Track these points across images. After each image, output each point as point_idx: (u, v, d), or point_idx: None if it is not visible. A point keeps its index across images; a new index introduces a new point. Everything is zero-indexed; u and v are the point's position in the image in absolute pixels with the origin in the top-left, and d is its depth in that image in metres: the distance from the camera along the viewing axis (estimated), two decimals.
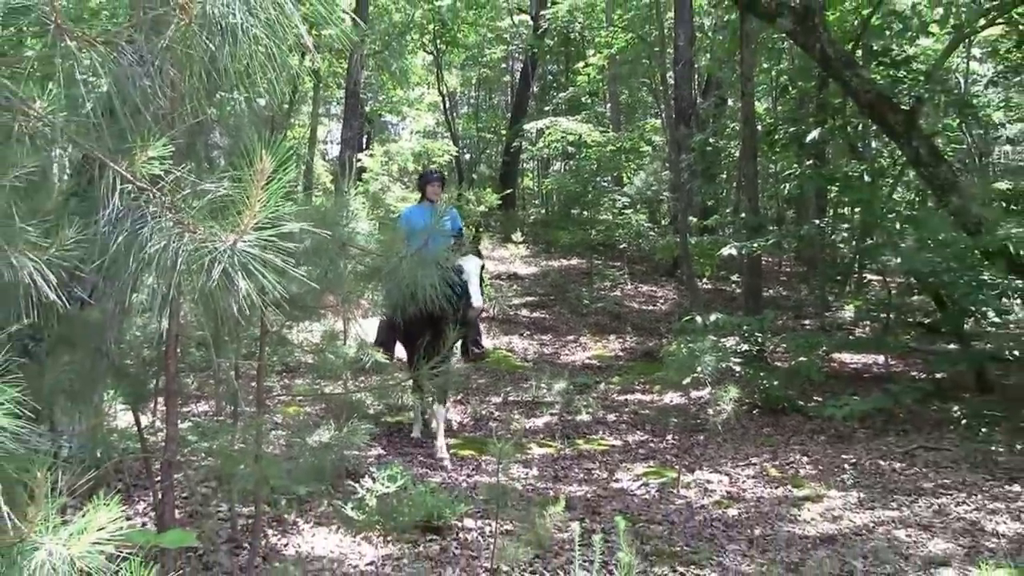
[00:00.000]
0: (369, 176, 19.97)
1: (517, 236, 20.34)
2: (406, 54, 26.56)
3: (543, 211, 28.33)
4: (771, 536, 6.98)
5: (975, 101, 12.81)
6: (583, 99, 25.91)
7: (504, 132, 28.41)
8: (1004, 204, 11.84)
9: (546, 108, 26.28)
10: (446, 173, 30.29)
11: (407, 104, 28.21)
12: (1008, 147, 10.72)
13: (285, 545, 6.12)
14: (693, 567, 6.17)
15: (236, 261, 2.45)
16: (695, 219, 18.31)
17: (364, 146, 24.98)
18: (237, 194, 2.53)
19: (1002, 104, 12.95)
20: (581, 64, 24.65)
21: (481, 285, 9.07)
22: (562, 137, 22.10)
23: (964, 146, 12.73)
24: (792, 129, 13.67)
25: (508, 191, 24.64)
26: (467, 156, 32.27)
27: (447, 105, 30.75)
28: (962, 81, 14.12)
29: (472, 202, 19.65)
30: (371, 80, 26.26)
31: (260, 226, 2.47)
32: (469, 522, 6.74)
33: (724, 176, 20.59)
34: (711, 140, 17.07)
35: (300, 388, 8.30)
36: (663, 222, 21.58)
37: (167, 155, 2.62)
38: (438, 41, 28.45)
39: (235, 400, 5.55)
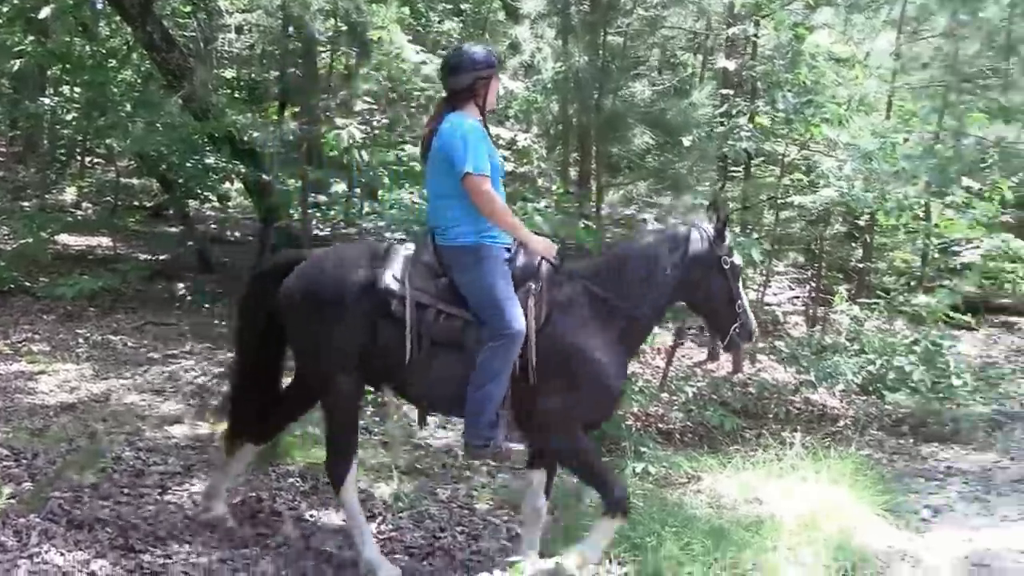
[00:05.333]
0: None
1: None
2: None
3: None
4: (12, 407, 7.25)
5: None
6: None
7: None
8: (231, 91, 12.81)
9: None
10: None
11: None
12: (233, 35, 11.62)
13: None
14: None
15: None
16: None
17: None
18: None
19: None
20: None
21: None
22: None
23: (192, 33, 13.43)
24: (25, 5, 13.18)
25: None
26: None
27: None
28: None
29: None
30: None
31: None
32: None
33: None
34: None
35: None
36: None
37: None
38: None
39: None
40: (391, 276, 4.96)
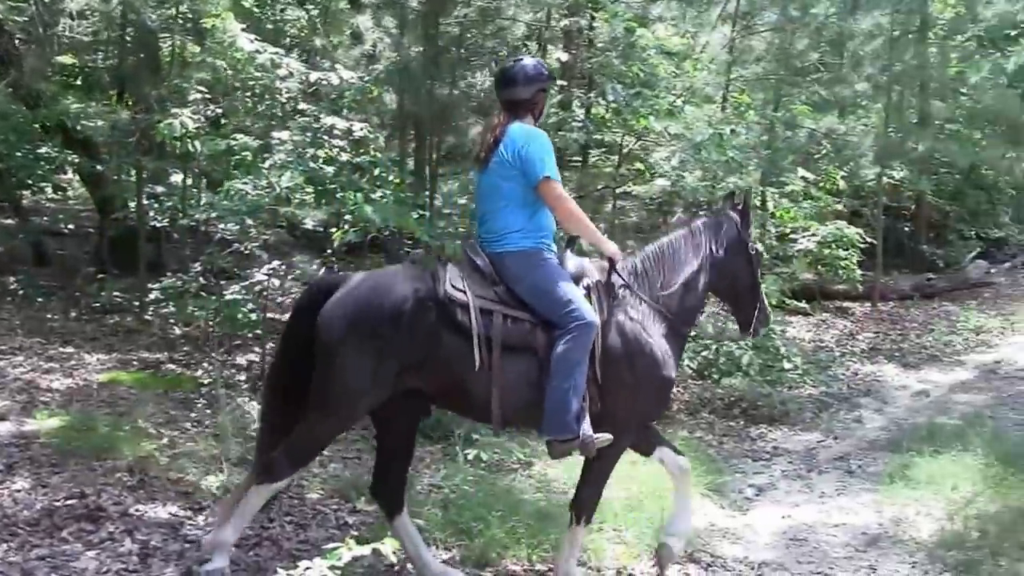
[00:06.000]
0: None
1: None
2: None
3: None
4: None
5: None
6: None
7: None
8: (66, 78, 12.49)
9: None
10: None
11: None
12: (73, 20, 11.31)
13: None
14: None
15: None
16: None
17: None
18: None
19: None
20: None
21: None
22: None
23: (27, 17, 13.01)
24: None
25: None
26: None
27: None
28: None
29: None
30: None
31: None
32: None
33: None
34: None
35: None
36: None
37: None
38: None
39: None
40: (450, 285, 4.90)
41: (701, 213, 6.02)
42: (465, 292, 4.88)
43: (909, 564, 6.03)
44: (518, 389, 4.93)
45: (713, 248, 5.51)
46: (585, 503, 5.27)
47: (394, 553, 4.09)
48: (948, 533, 6.35)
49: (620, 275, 5.24)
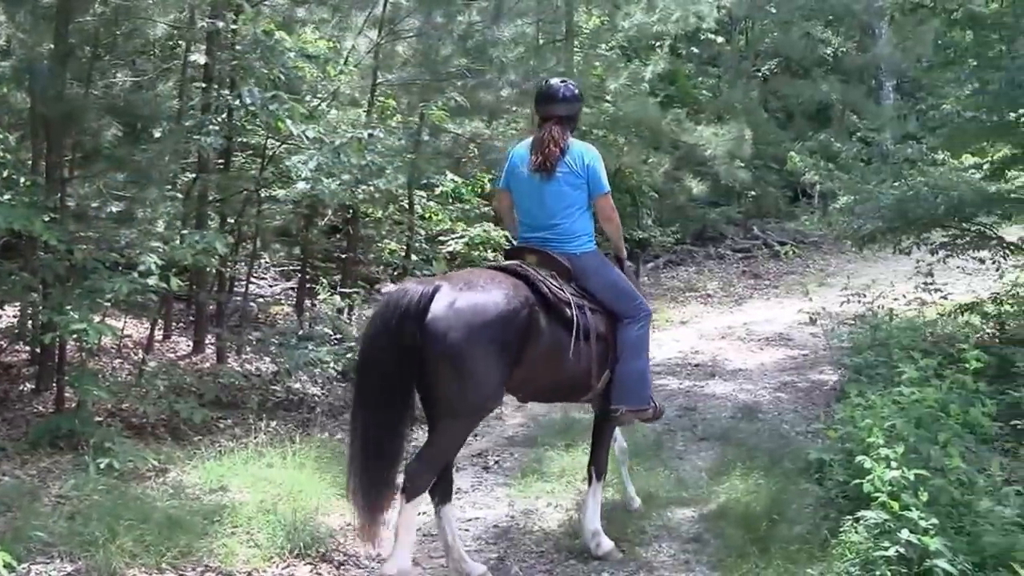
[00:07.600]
0: None
1: None
2: None
3: None
4: None
5: None
6: None
7: None
8: None
9: None
10: None
11: None
12: None
13: None
14: None
15: None
16: None
17: None
18: None
19: None
20: None
21: None
22: None
23: None
24: None
25: None
26: None
27: None
28: None
29: None
30: None
31: None
32: None
33: None
34: None
35: None
36: None
37: None
38: None
39: None
40: (555, 286, 5.69)
41: None
42: (563, 289, 5.70)
43: (537, 554, 6.40)
44: (600, 370, 5.91)
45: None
46: (601, 462, 6.37)
47: (6, 567, 4.18)
48: (576, 522, 6.74)
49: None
